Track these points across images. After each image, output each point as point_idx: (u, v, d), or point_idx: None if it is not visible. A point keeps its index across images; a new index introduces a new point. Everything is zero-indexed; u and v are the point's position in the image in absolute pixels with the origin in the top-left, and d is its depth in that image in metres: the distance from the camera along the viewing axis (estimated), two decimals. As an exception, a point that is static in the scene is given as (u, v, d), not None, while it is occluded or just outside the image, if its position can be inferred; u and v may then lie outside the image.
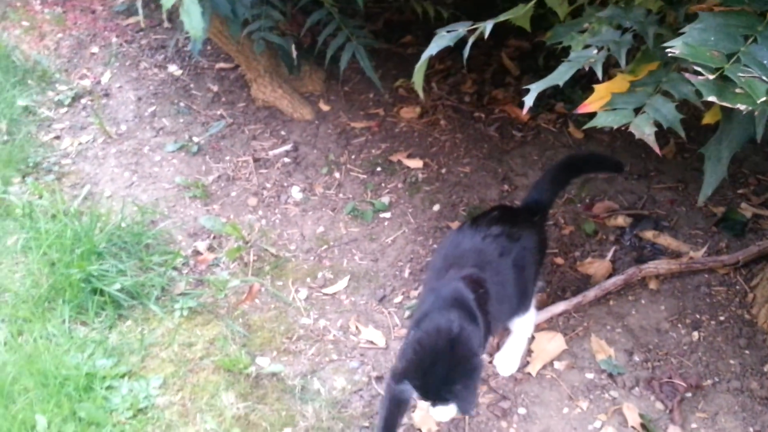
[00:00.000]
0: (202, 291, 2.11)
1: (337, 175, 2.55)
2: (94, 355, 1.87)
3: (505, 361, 1.86)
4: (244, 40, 2.55)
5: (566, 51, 1.45)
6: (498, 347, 1.89)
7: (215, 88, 2.98)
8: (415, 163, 2.55)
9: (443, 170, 2.52)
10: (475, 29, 1.47)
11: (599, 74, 1.28)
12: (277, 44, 2.52)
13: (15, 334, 1.91)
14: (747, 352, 1.87)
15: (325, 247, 2.29)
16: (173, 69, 3.11)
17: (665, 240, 2.16)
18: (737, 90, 1.05)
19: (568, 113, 2.66)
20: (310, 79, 2.89)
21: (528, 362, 1.88)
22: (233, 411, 1.76)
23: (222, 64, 3.09)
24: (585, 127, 1.29)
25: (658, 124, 1.23)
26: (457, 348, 1.47)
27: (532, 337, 1.91)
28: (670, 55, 1.05)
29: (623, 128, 1.26)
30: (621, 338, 1.93)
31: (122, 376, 1.83)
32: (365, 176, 2.53)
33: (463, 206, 2.37)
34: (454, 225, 2.29)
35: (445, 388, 1.44)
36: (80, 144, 2.73)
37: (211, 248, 2.28)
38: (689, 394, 1.78)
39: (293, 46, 2.60)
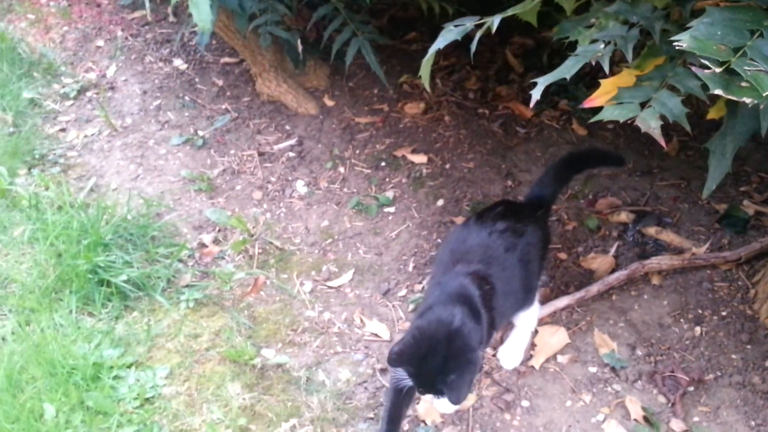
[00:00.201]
0: (207, 283, 2.13)
1: (341, 169, 2.56)
2: (101, 345, 1.88)
3: (508, 354, 1.87)
4: (249, 35, 2.56)
5: (571, 47, 1.46)
6: (502, 341, 1.91)
7: (220, 83, 2.99)
8: (420, 159, 2.56)
9: (447, 165, 2.53)
10: (482, 24, 1.48)
11: (606, 68, 1.29)
12: (284, 39, 2.53)
13: (23, 324, 1.92)
14: (749, 347, 1.89)
15: (330, 240, 2.30)
16: (178, 63, 3.12)
17: (668, 236, 2.18)
18: (743, 83, 1.06)
19: (572, 110, 2.68)
20: (314, 74, 2.90)
21: (531, 356, 1.89)
22: (239, 401, 1.78)
23: (227, 59, 3.10)
24: (592, 120, 1.30)
25: (663, 118, 1.25)
26: (456, 341, 1.48)
27: (536, 331, 1.93)
28: (677, 48, 1.07)
29: (629, 123, 1.28)
30: (624, 332, 1.94)
31: (129, 366, 1.85)
32: (369, 171, 2.55)
33: (466, 201, 2.39)
34: (458, 220, 2.31)
35: (439, 378, 1.45)
36: (86, 136, 2.75)
37: (216, 241, 2.29)
38: (691, 388, 1.80)
39: (299, 41, 2.61)
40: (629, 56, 1.30)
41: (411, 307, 2.06)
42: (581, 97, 2.62)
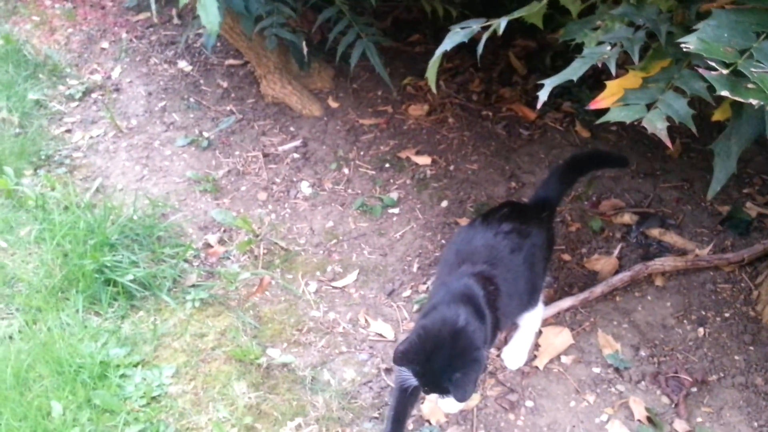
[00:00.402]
0: (213, 283, 2.14)
1: (346, 170, 2.57)
2: (107, 344, 1.89)
3: (512, 354, 1.88)
4: (255, 37, 2.58)
5: (575, 50, 1.47)
6: (506, 341, 1.92)
7: (225, 84, 3.00)
8: (424, 160, 2.58)
9: (451, 167, 2.55)
10: (489, 26, 1.50)
11: (613, 70, 1.30)
12: (289, 41, 2.55)
13: (30, 323, 1.94)
14: (752, 348, 1.90)
15: (335, 241, 2.31)
16: (183, 65, 3.13)
17: (671, 238, 2.19)
18: (750, 85, 1.07)
19: (575, 112, 2.69)
20: (319, 76, 2.92)
21: (535, 356, 1.90)
22: (245, 400, 1.79)
23: (231, 61, 3.12)
24: (599, 121, 1.31)
25: (670, 120, 1.26)
26: (460, 339, 1.49)
27: (540, 332, 1.93)
28: (684, 50, 1.08)
29: (632, 125, 1.29)
30: (627, 333, 1.95)
31: (135, 365, 1.86)
32: (374, 172, 2.56)
33: (470, 203, 2.40)
34: (462, 221, 2.32)
35: (444, 376, 1.46)
36: (91, 137, 2.76)
37: (221, 241, 2.31)
38: (695, 389, 1.80)
39: (304, 43, 2.62)
40: (636, 58, 1.32)
41: (415, 307, 2.07)
42: (585, 99, 2.64)
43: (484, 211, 1.96)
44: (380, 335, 2.01)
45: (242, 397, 1.80)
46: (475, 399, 1.80)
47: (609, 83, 1.41)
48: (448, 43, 1.53)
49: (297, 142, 2.69)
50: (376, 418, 1.79)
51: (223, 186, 2.53)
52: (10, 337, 1.91)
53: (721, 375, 1.84)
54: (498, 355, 1.90)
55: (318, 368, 1.91)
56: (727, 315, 1.98)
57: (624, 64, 1.53)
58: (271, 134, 2.75)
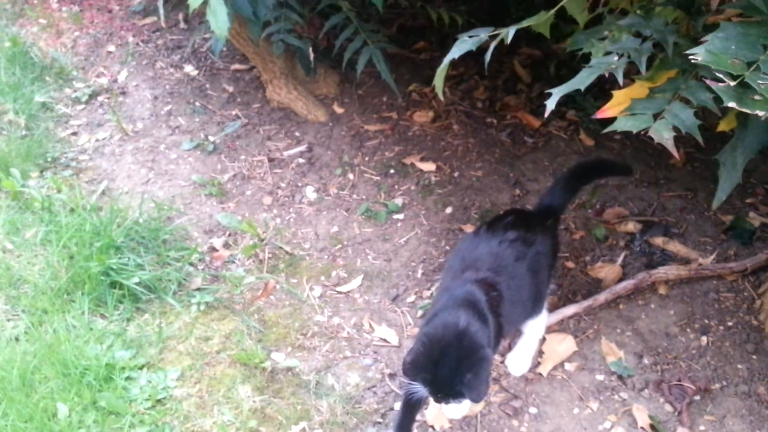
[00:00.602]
0: (218, 286, 2.15)
1: (350, 176, 2.58)
2: (113, 346, 1.90)
3: (516, 361, 1.89)
4: (261, 42, 2.60)
5: (580, 59, 1.49)
6: (510, 348, 1.93)
7: (230, 89, 3.02)
8: (428, 167, 2.59)
9: (456, 174, 2.56)
10: (496, 35, 1.51)
11: (620, 80, 1.32)
12: (296, 46, 2.56)
13: (36, 325, 1.94)
14: (754, 357, 1.91)
15: (339, 246, 2.32)
16: (189, 69, 3.15)
17: (675, 246, 2.20)
18: (756, 97, 1.09)
19: (580, 120, 2.70)
20: (324, 82, 2.93)
21: (539, 363, 1.91)
22: (250, 404, 1.80)
23: (237, 65, 3.14)
24: (606, 130, 1.32)
25: (676, 130, 1.27)
26: (465, 341, 1.50)
27: (543, 339, 1.94)
28: (693, 62, 1.09)
29: (636, 134, 1.30)
30: (631, 341, 1.96)
31: (141, 368, 1.86)
32: (378, 178, 2.57)
33: (475, 209, 2.41)
34: (467, 227, 2.33)
35: (456, 379, 1.47)
36: (97, 140, 2.77)
37: (226, 245, 2.32)
38: (698, 397, 1.81)
39: (311, 49, 2.64)
40: (643, 69, 1.33)
41: (420, 313, 2.08)
42: (589, 108, 2.66)
43: (489, 219, 1.97)
44: (384, 340, 2.01)
45: (247, 400, 1.81)
46: (478, 405, 1.81)
47: (615, 93, 1.42)
48: (456, 51, 1.55)
49: (302, 147, 2.71)
50: (380, 422, 1.80)
51: (229, 190, 2.54)
52: (16, 339, 1.92)
53: (724, 383, 1.85)
54: (502, 362, 1.91)
55: (322, 373, 1.92)
56: (730, 324, 1.99)
57: (629, 74, 1.55)
58: (276, 139, 2.76)
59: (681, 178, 2.48)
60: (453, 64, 1.56)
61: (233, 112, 2.89)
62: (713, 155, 2.35)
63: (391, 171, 2.59)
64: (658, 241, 2.22)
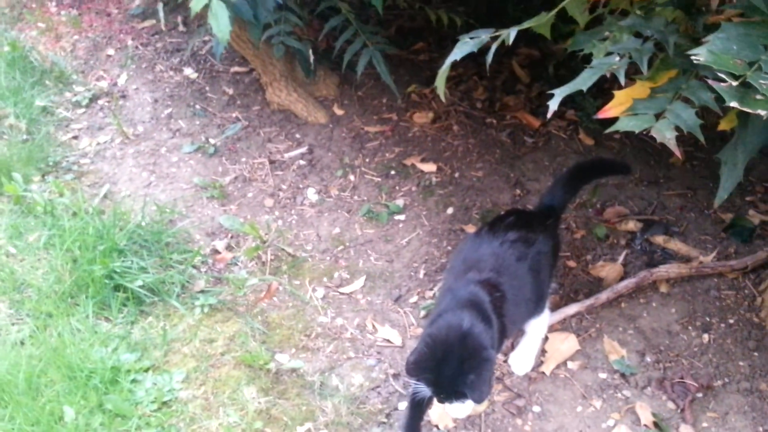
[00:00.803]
0: (221, 289, 2.15)
1: (351, 177, 2.59)
2: (118, 349, 1.91)
3: (519, 360, 1.90)
4: (261, 45, 2.60)
5: (579, 58, 1.50)
6: (513, 347, 1.94)
7: (230, 91, 3.02)
8: (429, 167, 2.60)
9: (456, 174, 2.57)
10: (497, 36, 1.52)
11: (622, 80, 1.33)
12: (296, 49, 2.57)
13: (40, 328, 1.95)
14: (756, 354, 1.92)
15: (341, 247, 2.33)
16: (189, 72, 3.15)
17: (675, 245, 2.21)
18: (758, 96, 1.10)
19: (579, 120, 2.72)
20: (324, 84, 2.94)
21: (542, 362, 1.92)
22: (255, 405, 1.80)
23: (237, 68, 3.14)
24: (608, 130, 1.34)
25: (678, 129, 1.28)
26: (468, 341, 1.51)
27: (546, 338, 1.96)
28: (695, 62, 1.10)
29: (636, 134, 1.31)
30: (633, 339, 1.97)
31: (146, 370, 1.87)
32: (379, 179, 2.58)
33: (476, 210, 2.42)
34: (468, 228, 2.34)
35: (459, 380, 1.48)
36: (98, 144, 2.78)
37: (229, 247, 2.32)
38: (700, 395, 1.83)
39: (310, 51, 2.65)
40: (644, 69, 1.34)
41: (422, 313, 2.09)
42: (588, 107, 2.67)
43: (491, 220, 1.98)
44: (388, 341, 2.02)
45: (252, 402, 1.81)
46: (482, 404, 1.82)
47: (617, 93, 1.43)
48: (457, 53, 1.56)
49: (303, 149, 2.72)
50: (385, 422, 1.81)
51: (230, 192, 2.55)
52: (22, 343, 1.93)
53: (726, 380, 1.86)
54: (505, 361, 1.92)
55: (326, 373, 1.93)
56: (731, 321, 2.00)
57: (629, 74, 1.56)
58: (277, 141, 2.77)
59: (680, 176, 2.49)
60: (452, 65, 1.57)
61: (233, 115, 2.90)
62: (712, 154, 2.36)
63: (392, 172, 2.60)
64: (659, 239, 2.24)
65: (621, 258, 2.19)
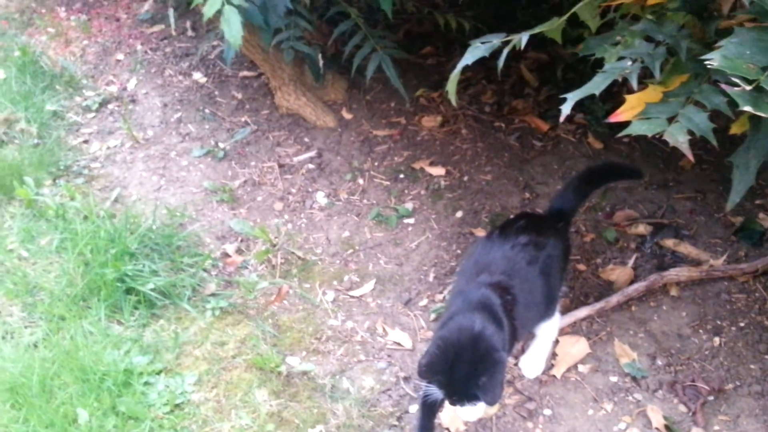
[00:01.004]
0: (232, 292, 2.17)
1: (360, 181, 2.60)
2: (130, 352, 1.92)
3: (530, 363, 1.91)
4: (270, 49, 2.62)
5: (587, 63, 1.51)
6: (523, 350, 1.94)
7: (239, 96, 3.04)
8: (438, 171, 2.61)
9: (465, 178, 2.58)
10: (509, 41, 1.53)
11: (635, 85, 1.34)
12: (306, 53, 2.59)
13: (53, 331, 1.96)
14: (767, 357, 1.92)
15: (351, 251, 2.34)
16: (198, 76, 3.17)
17: (685, 248, 2.21)
18: (771, 101, 1.10)
19: (588, 123, 2.72)
20: (332, 88, 2.95)
21: (553, 365, 1.93)
22: (267, 408, 1.81)
23: (246, 72, 3.16)
24: (621, 134, 1.34)
25: (690, 133, 1.29)
26: (479, 344, 1.51)
27: (557, 341, 1.96)
28: (709, 66, 1.11)
29: (645, 137, 1.32)
30: (644, 343, 1.97)
31: (158, 373, 1.88)
32: (389, 183, 2.59)
33: (485, 213, 2.43)
34: (477, 231, 2.35)
35: (471, 382, 1.48)
36: (108, 148, 2.80)
37: (239, 251, 2.33)
38: (711, 398, 1.83)
39: (320, 56, 2.67)
40: (657, 73, 1.35)
41: (432, 316, 2.10)
42: (597, 111, 2.68)
43: (501, 223, 1.99)
44: (398, 344, 2.03)
45: (264, 404, 1.82)
46: (493, 407, 1.82)
47: (628, 97, 1.44)
48: (469, 58, 1.57)
49: (312, 153, 2.73)
50: (396, 425, 1.81)
51: (240, 196, 2.56)
52: (35, 345, 1.94)
53: (738, 383, 1.86)
54: (516, 364, 1.92)
55: (337, 376, 1.94)
56: (742, 324, 2.00)
57: (639, 79, 1.56)
58: (285, 145, 2.78)
59: (690, 180, 2.49)
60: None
61: (242, 119, 2.92)
62: (721, 157, 2.37)
63: (401, 176, 2.61)
64: (669, 242, 2.24)
65: (631, 261, 2.20)
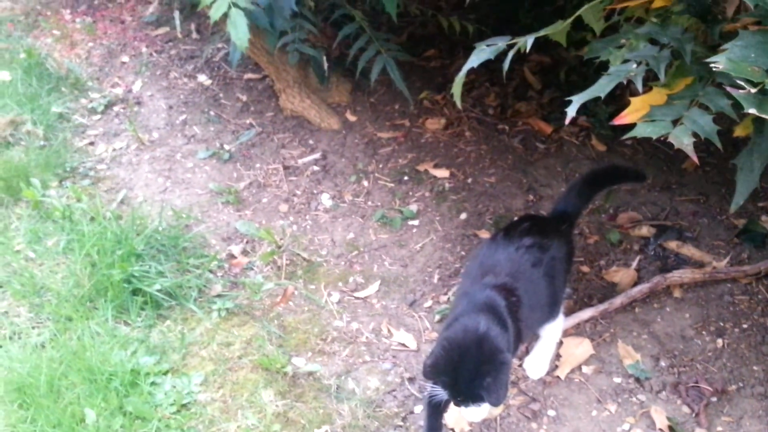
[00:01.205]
0: (237, 293, 2.18)
1: (365, 183, 2.62)
2: (137, 352, 1.93)
3: (534, 364, 1.92)
4: (275, 52, 2.63)
5: (590, 66, 1.52)
6: (528, 352, 1.95)
7: (244, 98, 3.06)
8: (442, 173, 2.62)
9: (469, 180, 2.59)
10: (514, 44, 1.55)
11: (640, 87, 1.35)
12: (310, 56, 2.60)
13: (60, 332, 1.98)
14: (770, 359, 1.93)
15: (356, 252, 2.35)
16: (203, 79, 3.19)
17: (688, 250, 2.22)
18: (776, 103, 1.12)
19: (591, 126, 2.73)
20: (337, 90, 2.97)
21: (557, 366, 1.94)
22: (273, 408, 1.82)
23: (250, 75, 3.17)
24: (626, 136, 1.35)
25: (695, 135, 1.30)
26: (485, 345, 1.52)
27: (561, 342, 1.97)
28: (714, 69, 1.12)
29: (648, 140, 1.33)
30: (647, 344, 1.98)
31: (165, 373, 1.89)
32: (393, 185, 2.60)
33: (489, 215, 2.44)
34: (481, 233, 2.36)
35: (476, 383, 1.49)
36: (114, 150, 2.81)
37: (245, 252, 2.35)
38: (715, 399, 1.83)
39: (325, 58, 2.68)
40: (662, 76, 1.36)
41: (437, 317, 2.11)
42: (600, 114, 2.69)
43: (506, 225, 2.00)
44: (403, 345, 2.04)
45: (270, 404, 1.83)
46: (498, 408, 1.83)
47: (633, 99, 1.45)
48: (474, 60, 1.58)
49: (316, 155, 2.74)
50: (401, 426, 1.82)
51: (245, 198, 2.57)
52: (42, 346, 1.95)
53: (741, 385, 1.87)
54: (520, 365, 1.93)
55: (343, 377, 1.95)
56: (745, 326, 2.01)
57: (644, 82, 1.58)
58: (290, 147, 2.80)
59: (693, 182, 2.50)
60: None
61: (247, 121, 2.93)
62: (724, 160, 2.38)
63: (405, 178, 2.63)
64: (672, 245, 2.25)
65: (634, 263, 2.21)
